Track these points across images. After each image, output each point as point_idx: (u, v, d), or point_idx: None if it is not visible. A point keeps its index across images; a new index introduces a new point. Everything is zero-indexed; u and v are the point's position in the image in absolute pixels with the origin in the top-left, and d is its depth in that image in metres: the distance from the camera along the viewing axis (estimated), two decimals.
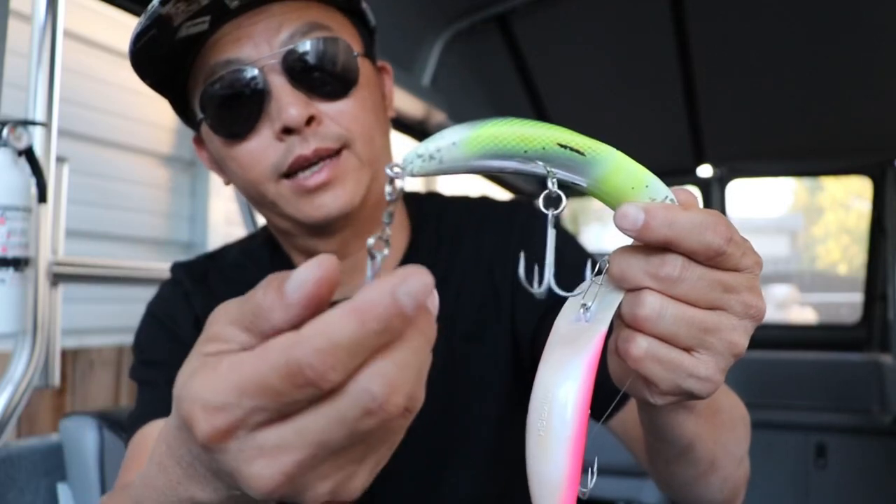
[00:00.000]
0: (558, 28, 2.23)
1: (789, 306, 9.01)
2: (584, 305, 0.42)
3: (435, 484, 0.83)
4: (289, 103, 0.69)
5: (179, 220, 2.32)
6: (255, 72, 0.69)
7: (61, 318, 1.19)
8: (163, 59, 0.72)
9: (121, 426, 1.15)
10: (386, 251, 0.36)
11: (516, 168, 0.39)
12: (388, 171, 0.37)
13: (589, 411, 0.39)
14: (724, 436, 0.60)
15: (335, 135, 0.71)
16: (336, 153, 0.72)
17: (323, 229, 0.77)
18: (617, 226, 0.39)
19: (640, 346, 0.41)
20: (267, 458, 0.31)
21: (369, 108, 0.75)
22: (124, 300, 2.11)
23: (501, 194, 2.98)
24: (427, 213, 0.89)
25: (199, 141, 0.81)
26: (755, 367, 2.97)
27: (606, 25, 2.24)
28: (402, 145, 1.62)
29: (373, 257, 0.36)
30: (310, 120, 0.70)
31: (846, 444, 2.71)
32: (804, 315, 9.09)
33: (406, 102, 1.94)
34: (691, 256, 0.39)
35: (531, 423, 0.40)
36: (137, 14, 1.31)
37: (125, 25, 2.03)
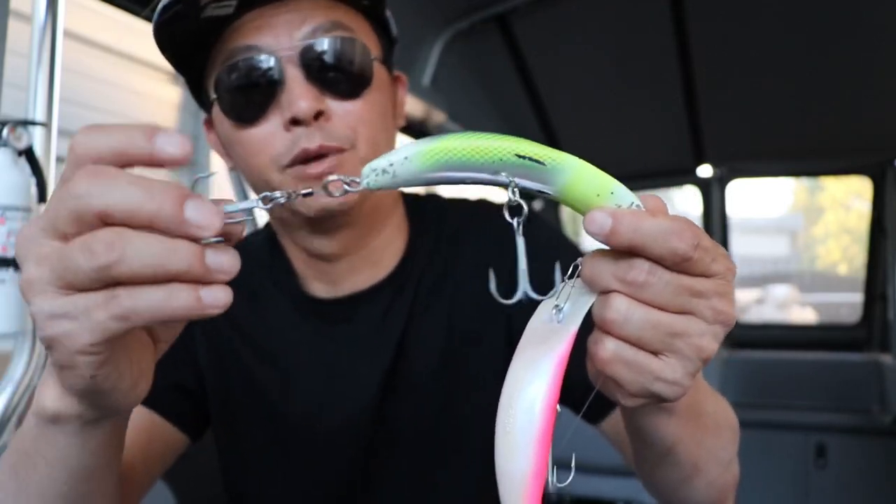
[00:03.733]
0: (558, 28, 2.23)
1: (789, 306, 9.01)
2: (556, 306, 0.43)
3: (432, 483, 0.83)
4: (300, 95, 0.70)
5: None
6: (273, 61, 0.71)
7: None
8: (185, 36, 0.73)
9: None
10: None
11: (477, 179, 0.40)
12: (344, 185, 0.40)
13: (556, 409, 0.40)
14: (707, 440, 0.60)
15: (341, 134, 0.72)
16: (339, 152, 0.72)
17: (322, 226, 0.77)
18: (586, 230, 0.40)
19: (608, 348, 0.41)
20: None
21: (378, 113, 0.76)
22: None
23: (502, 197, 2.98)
24: (426, 214, 0.89)
25: (209, 123, 0.82)
26: (755, 367, 2.97)
27: (606, 25, 2.24)
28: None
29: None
30: (318, 115, 0.71)
31: (846, 444, 2.71)
32: (804, 315, 9.08)
33: (406, 102, 1.93)
34: (659, 261, 0.40)
35: (499, 420, 0.41)
36: (137, 14, 1.31)
37: (125, 25, 2.03)
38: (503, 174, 0.39)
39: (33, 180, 1.03)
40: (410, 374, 0.82)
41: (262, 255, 0.89)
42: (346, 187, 0.40)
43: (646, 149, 2.82)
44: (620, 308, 0.40)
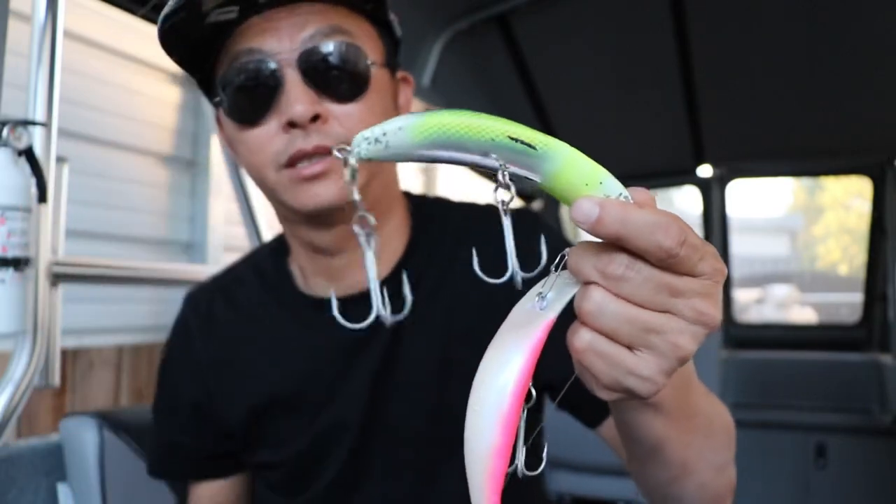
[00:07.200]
0: (558, 28, 2.23)
1: (789, 306, 9.00)
2: (540, 294, 0.43)
3: (429, 482, 0.84)
4: (297, 98, 0.72)
5: (179, 221, 2.32)
6: (273, 64, 0.73)
7: (61, 318, 1.19)
8: (191, 41, 0.76)
9: (121, 426, 1.15)
10: (372, 227, 0.43)
11: (468, 159, 0.40)
12: (335, 152, 0.40)
13: (526, 392, 0.41)
14: (697, 441, 0.60)
15: (338, 135, 0.74)
16: None
17: (319, 220, 0.79)
18: (572, 219, 0.40)
19: (583, 338, 0.42)
20: None
21: (377, 114, 0.77)
22: (124, 300, 2.11)
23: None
24: (429, 214, 0.90)
25: (220, 120, 0.84)
26: (755, 367, 2.97)
27: (606, 25, 2.24)
28: None
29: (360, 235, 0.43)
30: (315, 118, 0.73)
31: (846, 444, 2.71)
32: (804, 315, 9.07)
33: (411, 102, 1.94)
34: (644, 255, 0.39)
35: (471, 401, 0.41)
36: (136, 13, 1.31)
37: (125, 25, 2.03)
38: (493, 156, 0.39)
39: (33, 180, 1.03)
40: (408, 373, 0.83)
41: (264, 265, 0.92)
42: (336, 154, 0.41)
43: (646, 149, 2.82)
44: (596, 300, 0.40)
